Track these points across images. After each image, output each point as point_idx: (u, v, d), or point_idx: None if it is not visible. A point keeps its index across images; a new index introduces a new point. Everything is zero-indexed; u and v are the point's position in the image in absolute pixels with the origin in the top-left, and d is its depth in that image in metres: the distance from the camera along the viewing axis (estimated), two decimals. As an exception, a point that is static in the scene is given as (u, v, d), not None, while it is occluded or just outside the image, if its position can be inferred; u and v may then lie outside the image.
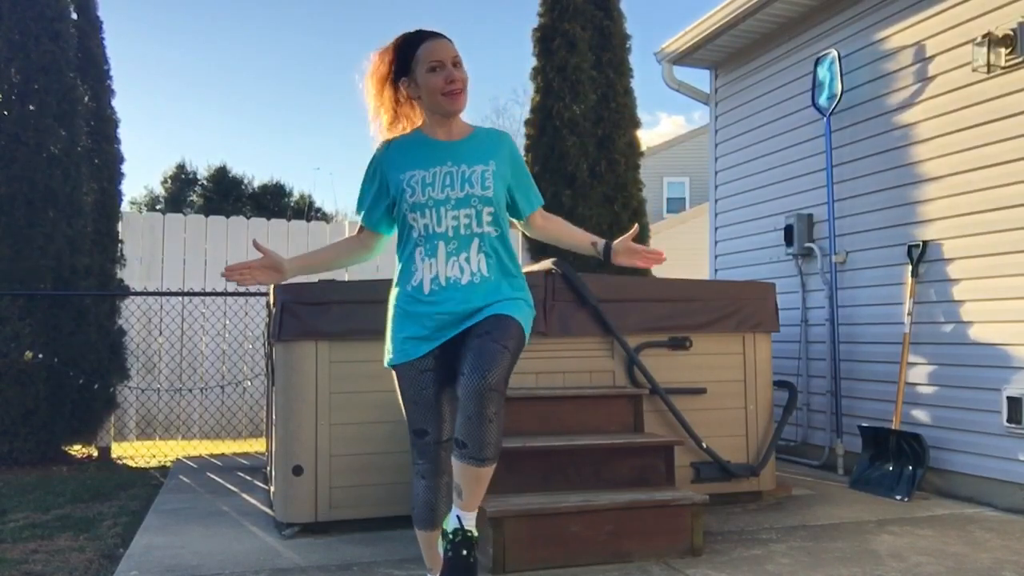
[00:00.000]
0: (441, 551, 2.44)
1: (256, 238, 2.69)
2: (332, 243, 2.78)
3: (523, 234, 3.85)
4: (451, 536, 2.39)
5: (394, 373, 2.56)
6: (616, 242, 2.72)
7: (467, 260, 2.48)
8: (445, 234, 2.48)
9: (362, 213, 2.64)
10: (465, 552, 2.38)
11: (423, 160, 2.52)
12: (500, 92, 44.03)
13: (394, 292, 2.59)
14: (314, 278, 4.71)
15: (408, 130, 2.60)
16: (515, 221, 2.72)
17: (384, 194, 2.58)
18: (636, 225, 2.81)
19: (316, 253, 2.75)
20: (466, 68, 2.55)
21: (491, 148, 2.58)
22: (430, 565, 2.68)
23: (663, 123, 39.20)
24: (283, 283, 4.13)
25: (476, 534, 2.42)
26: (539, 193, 2.73)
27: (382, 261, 7.92)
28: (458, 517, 2.42)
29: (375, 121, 2.61)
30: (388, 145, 2.60)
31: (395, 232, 2.65)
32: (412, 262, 2.52)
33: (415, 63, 2.50)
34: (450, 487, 2.52)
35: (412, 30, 2.57)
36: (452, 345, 2.49)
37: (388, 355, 2.57)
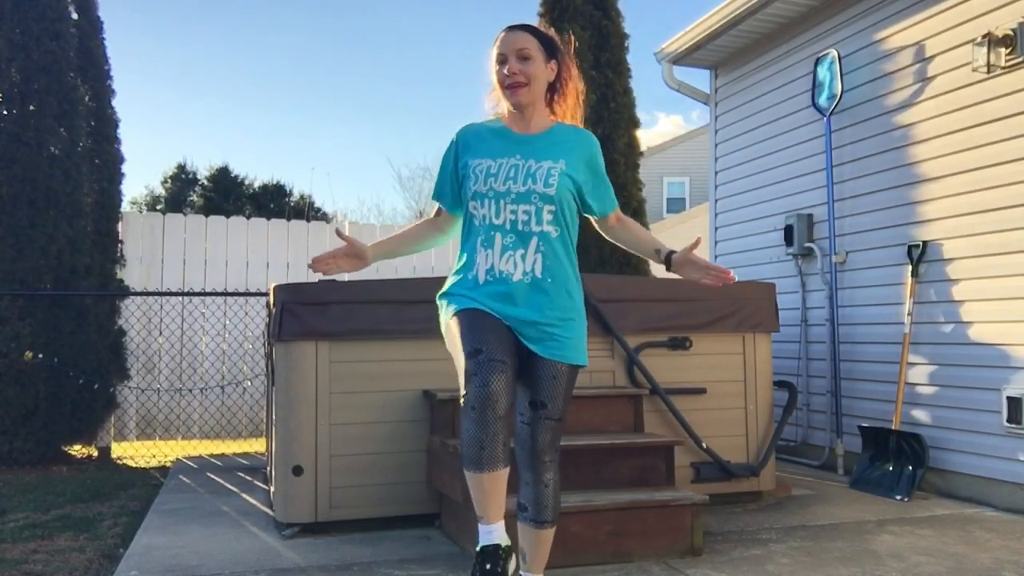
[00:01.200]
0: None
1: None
2: (410, 227, 2.77)
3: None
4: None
5: (452, 322, 2.45)
6: (677, 253, 2.63)
7: (523, 257, 2.46)
8: (503, 227, 2.46)
9: (440, 195, 2.65)
10: None
11: (494, 150, 2.52)
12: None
13: (452, 280, 2.55)
14: (314, 278, 4.72)
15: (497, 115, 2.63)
16: (592, 220, 2.72)
17: (457, 178, 2.59)
18: (698, 237, 2.62)
19: (395, 238, 2.74)
20: (564, 68, 2.57)
21: (567, 146, 2.56)
22: (479, 512, 2.41)
23: (661, 123, 39.20)
24: (283, 283, 4.16)
25: None
26: (614, 197, 2.71)
27: (382, 262, 7.95)
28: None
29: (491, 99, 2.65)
30: (467, 129, 2.62)
31: (458, 214, 2.64)
32: (474, 252, 2.50)
33: (492, 56, 2.55)
34: (502, 426, 2.31)
35: (510, 25, 2.60)
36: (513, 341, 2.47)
37: (448, 311, 2.49)
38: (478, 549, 2.39)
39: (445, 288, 2.58)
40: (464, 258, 2.55)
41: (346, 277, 7.57)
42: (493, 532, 2.38)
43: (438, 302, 2.59)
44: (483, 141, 2.56)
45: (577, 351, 2.54)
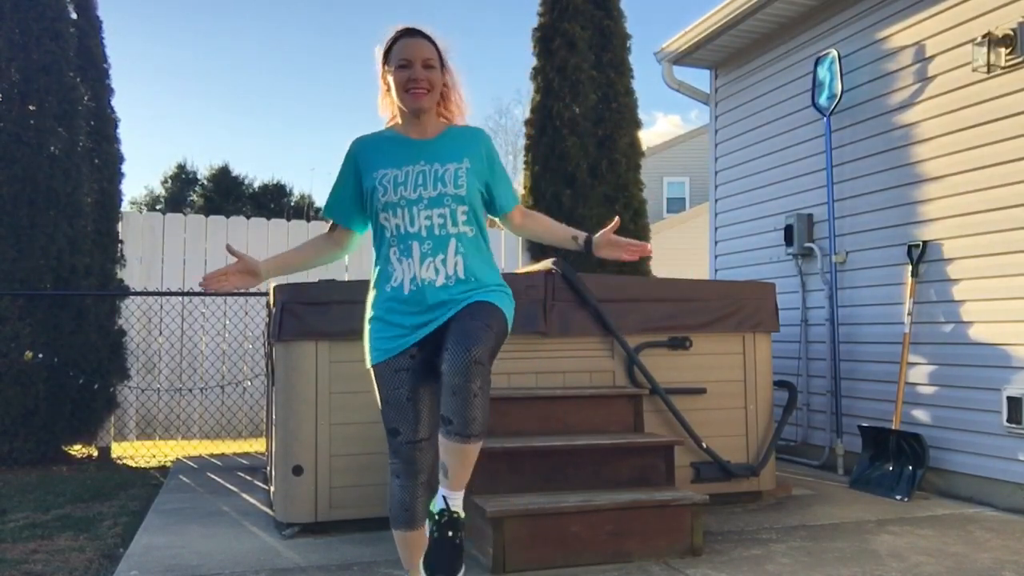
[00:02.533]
0: (427, 533, 2.42)
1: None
2: (305, 242, 2.74)
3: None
4: (437, 517, 2.36)
5: (371, 373, 2.55)
6: (597, 235, 2.68)
7: (443, 262, 2.46)
8: (419, 234, 2.46)
9: (334, 210, 2.63)
10: (451, 533, 2.35)
11: (395, 159, 2.51)
12: (503, 92, 44.10)
13: (371, 295, 2.57)
14: (314, 277, 4.72)
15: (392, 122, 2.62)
16: (494, 219, 2.71)
17: (357, 191, 2.57)
18: (617, 218, 2.73)
19: (290, 253, 2.70)
20: (448, 73, 2.56)
21: (465, 145, 2.56)
22: (407, 566, 2.64)
23: (659, 122, 39.22)
24: (283, 283, 4.15)
25: (463, 515, 2.39)
26: (515, 194, 2.71)
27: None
28: (444, 498, 2.38)
29: (383, 103, 2.64)
30: (360, 141, 2.60)
31: (367, 230, 2.64)
32: (388, 263, 2.50)
33: (390, 59, 2.53)
34: (428, 488, 2.51)
35: (403, 27, 2.58)
36: (431, 342, 2.47)
37: (367, 356, 2.56)
38: None
39: (368, 302, 2.57)
40: (378, 268, 2.55)
41: (346, 276, 7.58)
42: None
43: (365, 319, 2.57)
44: (381, 152, 2.54)
45: (503, 305, 2.49)
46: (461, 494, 2.41)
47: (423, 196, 2.46)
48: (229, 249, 2.53)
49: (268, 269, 2.57)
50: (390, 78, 2.53)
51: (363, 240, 2.71)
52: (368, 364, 2.56)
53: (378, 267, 2.55)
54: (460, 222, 2.48)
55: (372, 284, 2.58)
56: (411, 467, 2.52)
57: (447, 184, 2.47)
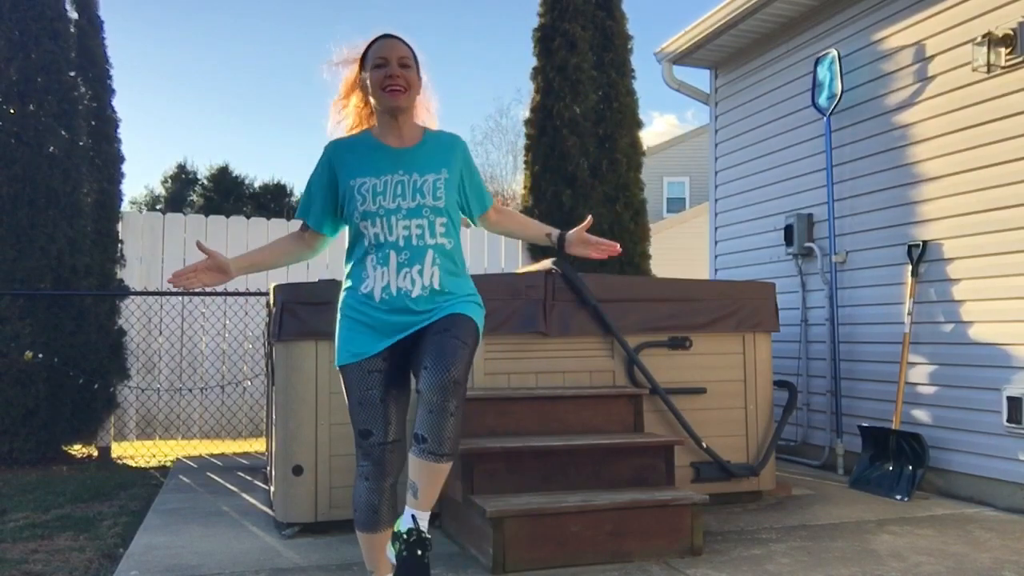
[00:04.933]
0: (392, 555, 2.42)
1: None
2: (275, 240, 2.73)
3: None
4: (405, 536, 2.36)
5: (341, 374, 2.55)
6: (569, 232, 2.73)
7: (420, 273, 2.46)
8: (396, 244, 2.46)
9: (308, 213, 2.62)
10: (420, 552, 2.35)
11: (374, 167, 2.50)
12: (503, 92, 44.06)
13: (343, 294, 2.57)
14: (314, 277, 4.71)
15: (360, 128, 2.62)
16: (467, 219, 2.73)
17: (331, 195, 2.56)
18: (590, 216, 2.79)
19: (259, 251, 2.70)
20: (423, 76, 2.57)
21: (443, 155, 2.57)
22: (370, 567, 2.65)
23: (656, 122, 39.19)
24: (284, 283, 4.15)
25: (429, 536, 2.41)
26: (489, 194, 2.75)
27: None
28: (413, 516, 2.39)
29: (339, 114, 2.64)
30: (337, 145, 2.59)
31: (338, 234, 2.65)
32: (363, 268, 2.51)
33: (366, 61, 2.54)
34: (394, 491, 2.52)
35: (379, 34, 2.58)
36: (403, 346, 2.49)
37: (336, 356, 2.56)
38: None
39: (339, 300, 2.58)
40: (352, 273, 2.55)
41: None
42: None
43: (337, 317, 2.58)
44: (359, 157, 2.53)
45: (472, 313, 2.51)
46: (428, 514, 2.44)
47: (401, 206, 2.46)
48: (199, 245, 2.51)
49: (237, 267, 2.56)
50: (367, 80, 2.53)
51: (335, 241, 2.72)
52: (336, 364, 2.56)
53: (352, 269, 2.55)
54: (438, 233, 2.49)
55: (344, 284, 2.58)
56: (381, 469, 2.50)
57: (426, 196, 2.48)
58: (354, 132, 2.63)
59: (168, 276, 2.64)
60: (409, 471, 2.41)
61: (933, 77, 4.97)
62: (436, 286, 2.47)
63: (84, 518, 4.36)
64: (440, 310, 2.47)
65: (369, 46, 2.55)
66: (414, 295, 2.46)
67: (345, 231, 2.62)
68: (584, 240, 2.73)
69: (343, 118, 2.65)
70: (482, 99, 42.69)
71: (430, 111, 2.67)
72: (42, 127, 6.22)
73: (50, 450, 6.19)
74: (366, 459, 2.51)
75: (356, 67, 2.59)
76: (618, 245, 2.73)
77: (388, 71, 2.48)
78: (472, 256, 7.42)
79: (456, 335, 2.39)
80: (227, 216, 7.83)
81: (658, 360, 4.46)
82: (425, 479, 2.38)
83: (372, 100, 2.54)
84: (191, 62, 39.03)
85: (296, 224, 2.73)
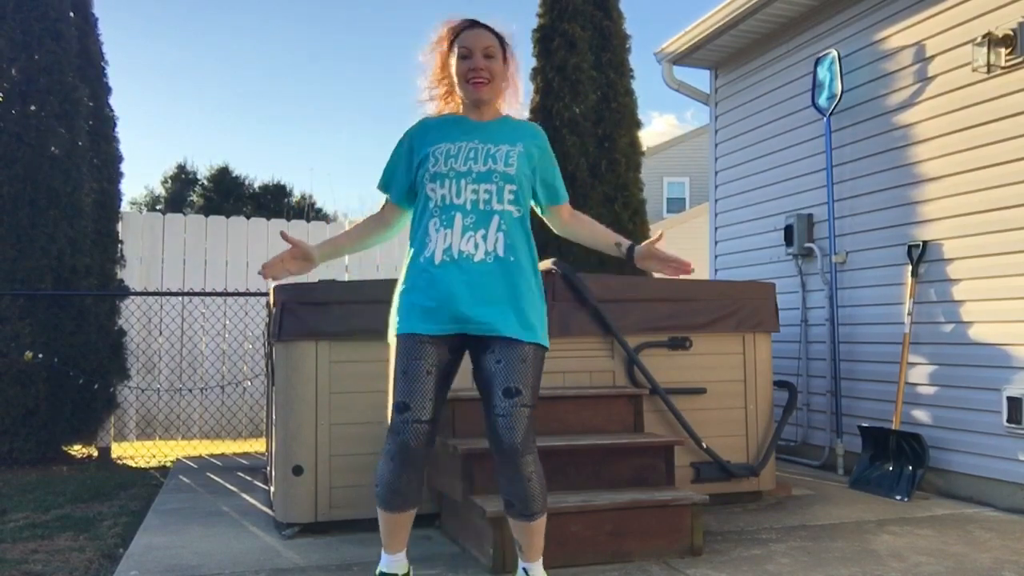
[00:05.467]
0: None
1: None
2: (355, 224, 2.81)
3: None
4: None
5: (392, 344, 2.53)
6: (640, 246, 2.68)
7: (484, 237, 2.47)
8: (463, 207, 2.48)
9: (388, 184, 2.66)
10: None
11: (452, 135, 2.56)
12: (500, 92, 43.96)
13: (404, 270, 2.58)
14: (314, 277, 4.72)
15: (446, 111, 2.68)
16: (539, 214, 2.75)
17: (410, 168, 2.61)
18: (661, 231, 2.72)
19: (340, 236, 2.78)
20: (509, 64, 2.62)
21: (521, 133, 2.62)
22: (387, 545, 2.60)
23: (655, 122, 39.22)
24: (284, 283, 4.15)
25: None
26: (565, 191, 2.75)
27: (382, 261, 7.95)
28: (524, 569, 2.56)
29: (430, 90, 2.68)
30: (421, 122, 2.66)
31: (407, 209, 2.67)
32: (426, 235, 2.51)
33: (453, 48, 2.58)
34: (420, 474, 2.49)
35: (467, 19, 2.63)
36: (461, 339, 2.51)
37: (392, 328, 2.55)
38: (378, 573, 2.61)
39: (400, 284, 2.58)
40: (415, 240, 2.56)
41: (346, 276, 7.58)
42: (394, 562, 2.59)
43: (396, 292, 2.59)
44: (438, 129, 2.60)
45: (542, 332, 2.54)
46: (539, 563, 2.58)
47: (472, 169, 2.49)
48: (283, 235, 2.58)
49: (322, 254, 2.62)
50: (452, 66, 2.58)
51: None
52: (393, 333, 2.54)
53: (415, 236, 2.57)
54: (506, 200, 2.50)
55: (405, 263, 2.60)
56: (407, 451, 2.43)
57: (497, 161, 2.51)
58: (439, 115, 2.69)
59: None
60: (512, 530, 2.61)
61: (933, 77, 4.97)
62: (500, 252, 2.47)
63: (84, 518, 4.36)
64: (518, 318, 2.45)
65: (457, 30, 2.59)
66: (476, 259, 2.45)
67: None
68: (654, 255, 2.66)
69: (433, 97, 2.69)
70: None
71: (518, 96, 2.71)
72: (44, 127, 6.22)
73: (50, 450, 6.19)
74: (396, 437, 2.44)
75: (443, 51, 2.62)
76: (691, 263, 2.66)
77: (472, 63, 2.52)
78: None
79: (525, 401, 2.45)
80: (227, 216, 7.84)
81: (658, 360, 4.46)
82: (525, 536, 2.57)
83: (457, 87, 2.59)
84: (191, 62, 39.05)
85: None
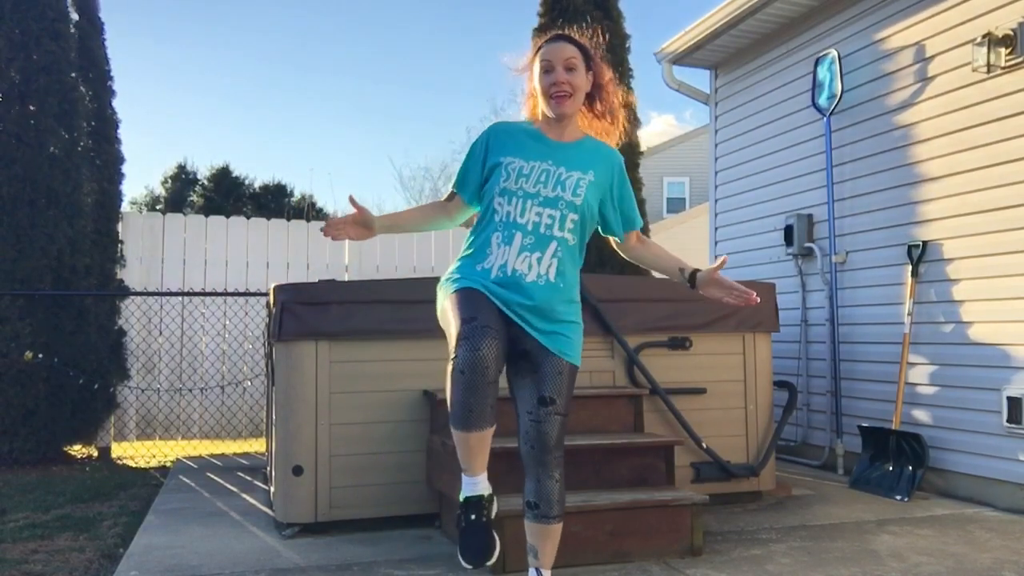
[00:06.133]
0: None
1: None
2: (420, 205, 2.84)
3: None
4: None
5: (450, 296, 2.49)
6: (702, 272, 2.64)
7: (539, 260, 2.50)
8: (525, 227, 2.50)
9: (462, 183, 2.67)
10: None
11: (527, 151, 2.57)
12: (497, 92, 44.06)
13: (457, 263, 2.59)
14: (314, 277, 4.71)
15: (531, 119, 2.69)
16: (610, 239, 2.76)
17: (483, 168, 2.63)
18: (724, 256, 2.71)
19: (402, 213, 2.82)
20: (598, 74, 2.61)
21: (596, 160, 2.61)
22: (466, 467, 2.51)
23: (654, 122, 39.19)
24: (284, 283, 4.16)
25: None
26: (639, 217, 2.74)
27: (382, 261, 7.94)
28: (537, 570, 2.58)
29: (526, 103, 2.72)
30: (499, 126, 2.68)
31: (478, 209, 2.68)
32: (488, 245, 2.54)
33: (535, 62, 2.59)
34: (494, 389, 2.36)
35: (554, 32, 2.66)
36: (511, 332, 2.50)
37: (451, 287, 2.52)
38: (462, 499, 2.56)
39: (450, 273, 2.60)
40: (474, 246, 2.58)
41: (346, 277, 7.58)
42: (477, 483, 2.53)
43: (440, 286, 2.61)
44: (516, 140, 2.60)
45: (578, 353, 2.61)
46: (549, 572, 2.63)
47: (540, 193, 2.52)
48: (351, 200, 2.59)
49: (381, 224, 2.64)
50: (536, 83, 2.59)
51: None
52: (447, 294, 2.52)
53: (475, 242, 2.58)
54: (567, 228, 2.53)
55: (461, 253, 2.61)
56: (479, 355, 2.29)
57: (566, 189, 2.53)
58: (521, 120, 2.70)
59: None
60: (527, 535, 2.60)
61: (933, 77, 4.97)
62: (551, 277, 2.51)
63: (84, 518, 4.36)
64: (559, 335, 2.51)
65: (541, 46, 2.60)
66: (528, 279, 2.49)
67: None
68: (717, 282, 2.61)
69: (529, 98, 2.69)
70: (479, 99, 42.63)
71: (616, 123, 2.70)
72: (43, 127, 6.22)
73: (50, 450, 6.19)
74: (466, 343, 2.31)
75: (530, 57, 2.64)
76: (756, 295, 2.56)
77: (554, 77, 2.53)
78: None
79: (559, 410, 2.50)
80: (227, 216, 7.84)
81: (658, 360, 4.46)
82: (542, 541, 2.59)
83: (539, 101, 2.60)
84: (191, 62, 39.03)
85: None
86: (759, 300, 2.61)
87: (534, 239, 2.50)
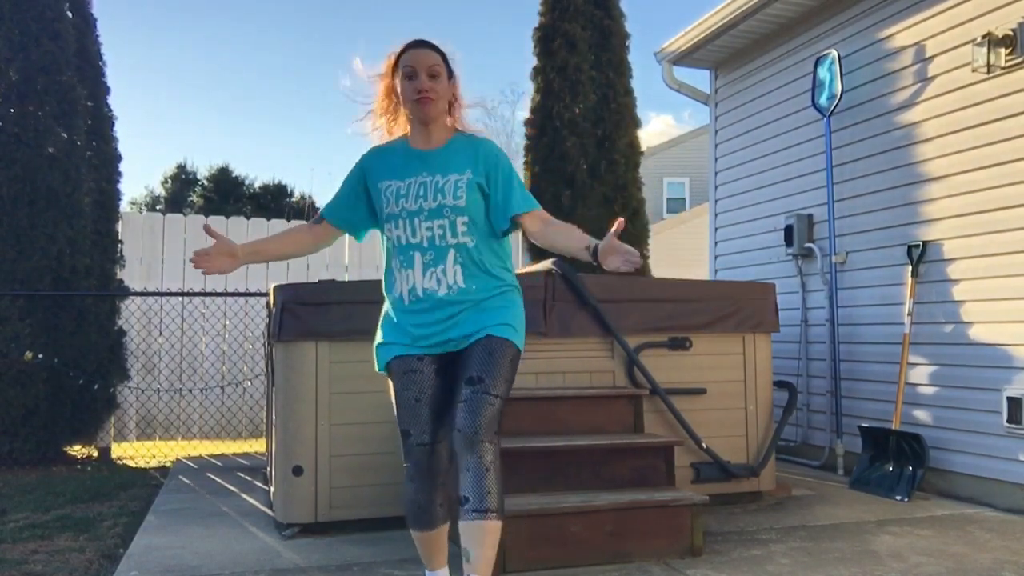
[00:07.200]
0: None
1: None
2: (283, 231, 2.76)
3: (523, 236, 3.86)
4: None
5: (388, 379, 2.63)
6: (601, 243, 2.36)
7: (444, 272, 2.51)
8: (420, 245, 2.51)
9: (332, 212, 2.68)
10: None
11: (400, 170, 2.56)
12: (489, 93, 44.01)
13: (386, 301, 2.67)
14: (314, 277, 4.71)
15: (396, 136, 2.67)
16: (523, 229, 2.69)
17: (359, 196, 2.64)
18: (620, 219, 2.39)
19: (266, 240, 2.73)
20: (453, 81, 2.59)
21: (468, 155, 2.57)
22: (427, 563, 2.70)
23: (653, 122, 39.17)
24: (284, 283, 4.15)
25: None
26: (531, 197, 2.61)
27: (382, 261, 7.94)
28: None
29: (374, 120, 2.67)
30: (371, 152, 2.67)
31: (366, 237, 2.74)
32: (391, 273, 2.60)
33: (397, 69, 2.57)
34: (444, 489, 2.58)
35: (411, 40, 2.61)
36: (445, 358, 2.56)
37: (379, 355, 2.64)
38: None
39: (380, 318, 2.66)
40: (386, 279, 2.64)
41: (346, 276, 7.57)
42: None
43: (375, 343, 2.65)
44: (388, 163, 2.60)
45: (513, 332, 2.53)
46: None
47: (423, 207, 2.51)
48: (207, 229, 2.51)
49: (244, 252, 2.56)
50: (398, 88, 2.57)
51: (360, 238, 2.78)
52: (376, 368, 2.64)
53: (386, 278, 2.64)
54: (460, 233, 2.52)
55: (385, 295, 2.68)
56: (423, 470, 2.55)
57: (446, 195, 2.50)
58: (390, 140, 2.67)
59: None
60: (460, 538, 2.40)
61: (933, 77, 4.97)
62: (461, 284, 2.51)
63: (84, 518, 4.36)
64: (476, 334, 2.49)
65: (400, 53, 2.57)
66: (440, 293, 2.50)
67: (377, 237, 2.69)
68: (614, 248, 2.33)
69: (379, 127, 2.68)
70: (471, 100, 42.54)
71: (462, 107, 2.68)
72: (42, 127, 6.22)
73: (50, 450, 6.19)
74: (408, 459, 2.57)
75: (389, 76, 2.61)
76: (638, 254, 2.33)
77: (418, 84, 2.51)
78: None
79: (488, 388, 2.41)
80: (227, 216, 7.84)
81: (658, 360, 4.46)
82: (475, 541, 2.35)
83: (405, 107, 2.59)
84: (191, 62, 39.04)
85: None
86: (641, 262, 2.59)
87: (433, 254, 2.51)
